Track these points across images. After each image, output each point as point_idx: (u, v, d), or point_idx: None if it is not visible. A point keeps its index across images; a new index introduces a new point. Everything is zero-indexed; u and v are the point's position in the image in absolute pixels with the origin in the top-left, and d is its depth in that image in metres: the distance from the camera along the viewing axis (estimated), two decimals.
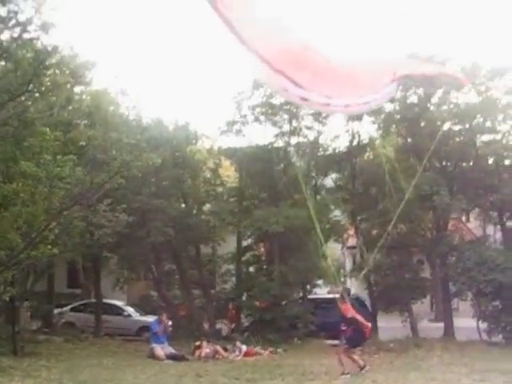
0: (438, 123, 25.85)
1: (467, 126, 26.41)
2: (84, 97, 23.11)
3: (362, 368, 16.32)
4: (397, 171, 28.17)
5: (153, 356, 21.48)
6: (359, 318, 16.05)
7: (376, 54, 15.08)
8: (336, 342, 27.06)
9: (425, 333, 26.90)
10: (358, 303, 29.80)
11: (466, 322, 27.19)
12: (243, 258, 29.49)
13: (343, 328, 16.31)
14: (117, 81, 23.95)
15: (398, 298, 27.74)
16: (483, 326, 26.40)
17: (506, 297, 24.57)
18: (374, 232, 28.02)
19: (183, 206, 28.85)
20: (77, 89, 22.71)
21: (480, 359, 20.05)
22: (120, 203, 22.52)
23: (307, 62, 12.92)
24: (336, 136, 29.50)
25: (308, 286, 28.88)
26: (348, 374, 15.87)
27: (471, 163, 27.07)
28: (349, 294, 16.84)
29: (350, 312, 15.93)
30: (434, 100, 27.12)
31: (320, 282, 29.15)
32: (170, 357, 21.26)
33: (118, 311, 30.31)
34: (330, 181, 30.32)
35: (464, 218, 33.14)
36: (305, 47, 13.40)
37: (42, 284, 28.48)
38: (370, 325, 16.51)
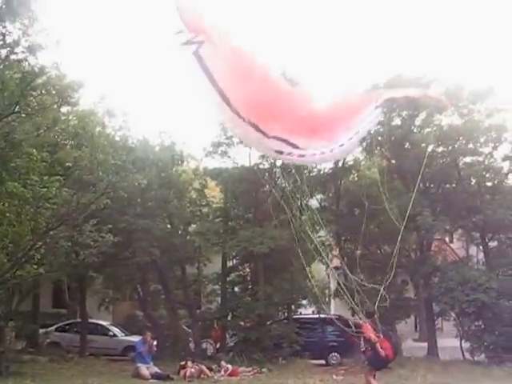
0: (422, 145, 26.24)
1: (450, 147, 26.83)
2: (70, 117, 23.22)
3: None
4: (381, 193, 28.64)
5: (138, 376, 21.55)
6: (374, 337, 14.72)
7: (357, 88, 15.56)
8: (321, 361, 27.48)
9: (409, 352, 27.01)
10: (342, 323, 30.25)
11: (449, 342, 27.45)
12: (228, 279, 29.54)
13: (363, 349, 15.37)
14: (103, 101, 23.85)
15: (381, 317, 27.83)
16: (466, 345, 26.65)
17: (489, 316, 24.83)
18: (358, 252, 28.27)
19: (169, 226, 28.92)
20: (63, 109, 22.85)
21: (463, 379, 20.30)
22: (106, 223, 22.63)
23: (283, 110, 13.31)
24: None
25: (293, 306, 29.02)
26: None
27: (454, 184, 27.41)
28: (372, 315, 15.61)
29: (370, 332, 14.80)
30: (418, 122, 27.52)
31: (305, 302, 29.34)
32: (155, 376, 21.36)
33: (103, 331, 30.23)
34: (315, 201, 30.52)
35: (447, 239, 33.39)
36: (284, 92, 13.83)
37: (27, 304, 28.40)
38: (389, 345, 15.02)
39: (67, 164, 19.52)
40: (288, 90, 13.79)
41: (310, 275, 29.51)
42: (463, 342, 26.94)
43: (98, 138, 20.04)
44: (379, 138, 27.85)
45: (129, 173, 20.98)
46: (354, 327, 15.28)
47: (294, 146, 13.25)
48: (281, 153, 13.60)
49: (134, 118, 38.78)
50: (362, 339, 15.03)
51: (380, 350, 14.28)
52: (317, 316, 30.49)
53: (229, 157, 29.26)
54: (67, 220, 18.85)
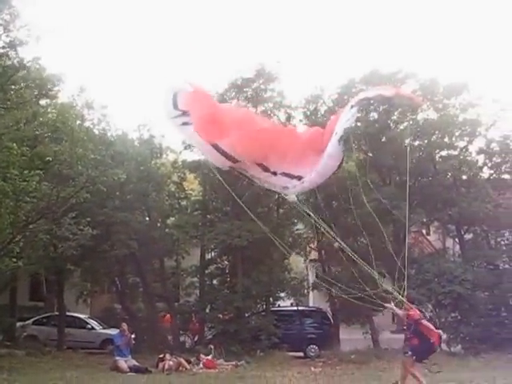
0: (398, 139, 26.59)
1: (426, 141, 27.19)
2: (49, 110, 23.18)
3: None
4: (358, 185, 29.06)
5: (116, 369, 21.56)
6: (426, 323, 14.56)
7: None
8: (300, 354, 27.75)
9: (386, 344, 27.36)
10: (319, 315, 30.57)
11: None
12: (207, 271, 29.70)
13: (408, 336, 14.86)
14: (82, 94, 23.87)
15: (358, 310, 28.15)
16: (443, 336, 27.02)
17: (465, 308, 25.26)
18: (336, 245, 28.57)
19: (147, 219, 29.00)
20: (43, 102, 22.87)
21: (439, 369, 20.55)
22: (85, 216, 22.70)
23: (283, 148, 14.07)
24: None
25: (271, 299, 29.21)
26: None
27: (430, 178, 27.74)
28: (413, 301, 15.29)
29: (422, 318, 14.48)
30: (394, 117, 27.84)
31: (283, 294, 29.55)
32: (133, 369, 21.36)
33: (81, 324, 30.23)
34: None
35: (424, 231, 33.76)
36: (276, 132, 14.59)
37: (4, 297, 28.41)
38: (439, 332, 14.84)
39: (47, 158, 19.53)
40: (278, 129, 14.75)
41: (288, 268, 30.04)
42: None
43: (77, 133, 20.06)
44: (356, 132, 28.15)
45: (108, 167, 21.07)
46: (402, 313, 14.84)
47: (298, 178, 14.07)
48: (287, 188, 14.49)
49: (113, 111, 38.79)
50: (406, 326, 14.83)
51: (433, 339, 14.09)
52: (295, 308, 30.78)
53: None
54: (47, 213, 18.91)
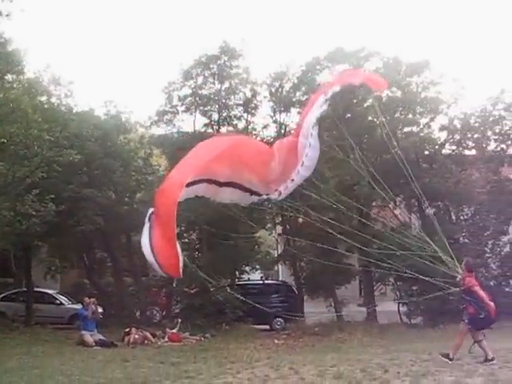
0: (362, 117, 26.86)
1: (389, 118, 27.44)
2: (15, 85, 23.01)
3: (488, 360, 13.88)
4: (320, 162, 29.19)
5: (82, 343, 21.71)
6: (482, 294, 14.02)
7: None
8: (265, 326, 28.14)
9: (349, 317, 27.83)
10: (285, 289, 30.99)
11: (392, 306, 28.26)
12: None
13: (465, 304, 14.53)
14: (48, 70, 23.77)
15: (323, 283, 28.58)
16: (404, 309, 27.61)
17: (424, 281, 25.69)
18: (301, 220, 28.97)
19: (114, 195, 29.00)
20: (8, 77, 22.69)
21: (397, 341, 21.03)
22: (50, 193, 22.71)
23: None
24: (265, 126, 30.27)
25: (237, 273, 29.50)
26: (452, 359, 14.03)
27: (393, 154, 28.01)
28: (472, 269, 14.78)
29: (475, 286, 14.10)
30: (359, 94, 28.06)
31: (248, 268, 29.83)
32: (99, 343, 21.53)
33: (49, 300, 30.34)
34: None
35: (392, 206, 34.07)
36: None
37: None
38: (492, 304, 13.89)
39: (2, 140, 19.48)
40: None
41: (258, 242, 30.27)
42: (401, 306, 27.90)
43: (32, 114, 19.99)
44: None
45: (63, 148, 21.10)
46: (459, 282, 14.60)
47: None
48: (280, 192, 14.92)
49: (80, 86, 38.58)
50: (463, 295, 14.42)
51: (486, 299, 13.68)
52: (261, 282, 31.14)
53: (174, 125, 29.63)
54: (5, 192, 18.91)
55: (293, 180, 16.04)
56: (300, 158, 15.87)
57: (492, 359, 13.81)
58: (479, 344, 14.19)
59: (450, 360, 13.92)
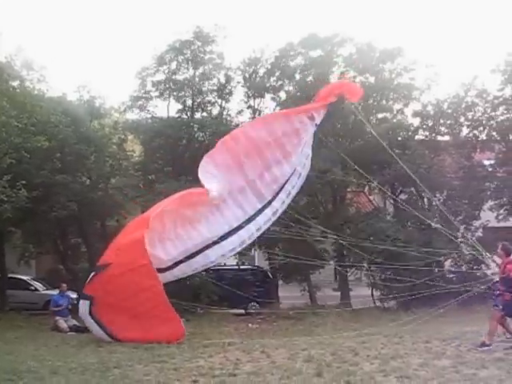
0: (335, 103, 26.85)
1: (363, 104, 27.52)
2: None
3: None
4: None
5: (56, 329, 21.61)
6: None
7: None
8: (240, 311, 28.18)
9: (323, 301, 27.95)
10: (260, 274, 31.06)
11: (366, 291, 28.47)
12: None
13: (500, 291, 13.94)
14: (20, 54, 23.50)
15: (297, 268, 28.62)
16: (377, 293, 27.83)
17: (397, 266, 25.91)
18: None
19: (88, 180, 28.80)
20: None
21: (370, 324, 21.12)
22: (23, 178, 22.50)
23: None
24: (239, 111, 30.26)
25: None
26: (490, 345, 13.42)
27: (366, 140, 28.15)
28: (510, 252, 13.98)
29: None
30: (332, 79, 28.15)
31: None
32: (74, 329, 21.42)
33: (24, 286, 30.06)
34: None
35: (366, 191, 34.20)
36: None
37: None
38: None
39: None
40: None
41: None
42: (374, 290, 28.12)
43: (0, 101, 19.81)
44: (294, 94, 28.43)
45: (31, 134, 20.95)
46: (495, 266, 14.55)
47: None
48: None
49: (52, 72, 38.22)
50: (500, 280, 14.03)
51: None
52: (236, 267, 31.14)
53: (148, 111, 29.51)
54: None
55: (289, 193, 19.24)
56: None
57: None
58: (506, 328, 14.14)
59: (489, 346, 13.39)
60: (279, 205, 19.50)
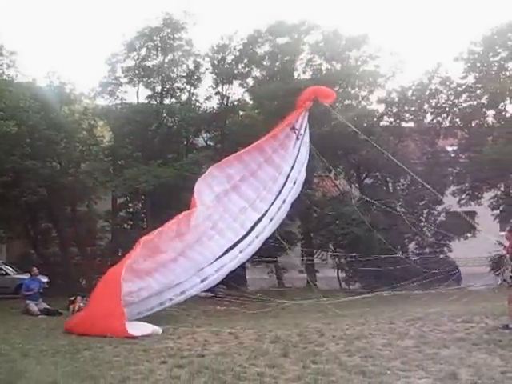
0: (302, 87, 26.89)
1: None
2: None
3: None
4: (262, 132, 29.31)
5: (27, 312, 21.34)
6: None
7: None
8: (209, 294, 28.17)
9: (290, 283, 28.11)
10: None
11: (332, 273, 28.67)
12: (118, 216, 29.70)
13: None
14: None
15: (264, 251, 28.65)
16: (343, 275, 28.05)
17: (362, 248, 26.15)
18: None
19: (58, 166, 28.49)
20: None
21: (335, 306, 21.25)
22: None
23: None
24: (207, 97, 30.20)
25: None
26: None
27: (332, 126, 28.24)
28: None
29: None
30: (298, 66, 28.24)
31: None
32: (44, 312, 21.25)
33: None
34: (201, 140, 31.01)
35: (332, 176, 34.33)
36: None
37: None
38: None
39: None
40: None
41: None
42: (340, 272, 28.34)
43: None
44: (263, 81, 28.40)
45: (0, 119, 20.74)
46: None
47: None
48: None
49: (23, 57, 37.69)
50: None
51: None
52: None
53: (117, 96, 29.28)
54: None
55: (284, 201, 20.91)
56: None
57: None
58: None
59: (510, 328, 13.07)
60: (275, 212, 20.80)
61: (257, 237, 20.41)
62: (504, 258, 14.31)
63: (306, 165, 21.62)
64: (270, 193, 20.81)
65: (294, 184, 21.24)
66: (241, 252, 20.15)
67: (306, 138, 21.79)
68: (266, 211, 20.60)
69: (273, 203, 20.73)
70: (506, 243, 14.23)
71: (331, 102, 22.75)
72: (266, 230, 20.59)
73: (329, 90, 23.02)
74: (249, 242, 20.30)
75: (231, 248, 19.82)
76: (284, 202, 20.98)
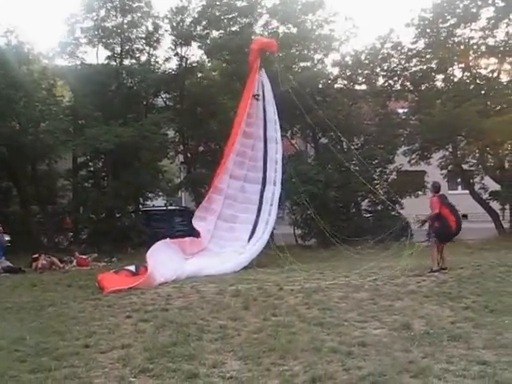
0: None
1: (285, 53, 27.44)
2: None
3: (441, 269, 15.17)
4: (221, 93, 29.09)
5: None
6: (444, 212, 15.12)
7: None
8: None
9: None
10: (188, 214, 31.03)
11: (289, 230, 28.84)
12: (80, 173, 29.34)
13: (431, 223, 15.58)
14: None
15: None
16: (298, 232, 28.25)
17: (317, 206, 26.30)
18: (201, 149, 29.13)
19: (18, 125, 27.79)
20: None
21: (292, 261, 21.45)
22: None
23: None
24: (166, 59, 29.79)
25: (141, 199, 29.30)
26: (436, 271, 14.93)
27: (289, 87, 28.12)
28: (438, 190, 15.56)
29: (436, 206, 15.07)
30: (256, 29, 28.02)
31: (151, 195, 29.62)
32: (7, 270, 20.92)
33: None
34: (160, 101, 30.66)
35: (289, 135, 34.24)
36: None
37: None
38: (455, 218, 15.14)
39: None
40: None
41: (161, 170, 30.00)
42: (296, 229, 28.51)
43: None
44: (220, 43, 28.08)
45: None
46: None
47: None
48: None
49: None
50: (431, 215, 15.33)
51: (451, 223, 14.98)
52: (165, 208, 31.10)
53: (77, 57, 28.67)
54: None
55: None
56: None
57: (445, 268, 15.24)
58: (441, 255, 15.47)
59: (436, 271, 14.96)
60: (273, 175, 21.29)
61: (271, 205, 20.88)
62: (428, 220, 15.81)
63: (278, 122, 21.81)
64: (253, 160, 21.22)
65: (277, 143, 21.51)
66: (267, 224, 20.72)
67: (269, 96, 21.96)
68: (264, 178, 20.98)
69: (266, 169, 21.05)
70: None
71: (275, 50, 22.85)
72: (275, 194, 21.04)
73: (270, 40, 23.12)
74: (268, 212, 20.82)
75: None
76: (276, 162, 21.24)
